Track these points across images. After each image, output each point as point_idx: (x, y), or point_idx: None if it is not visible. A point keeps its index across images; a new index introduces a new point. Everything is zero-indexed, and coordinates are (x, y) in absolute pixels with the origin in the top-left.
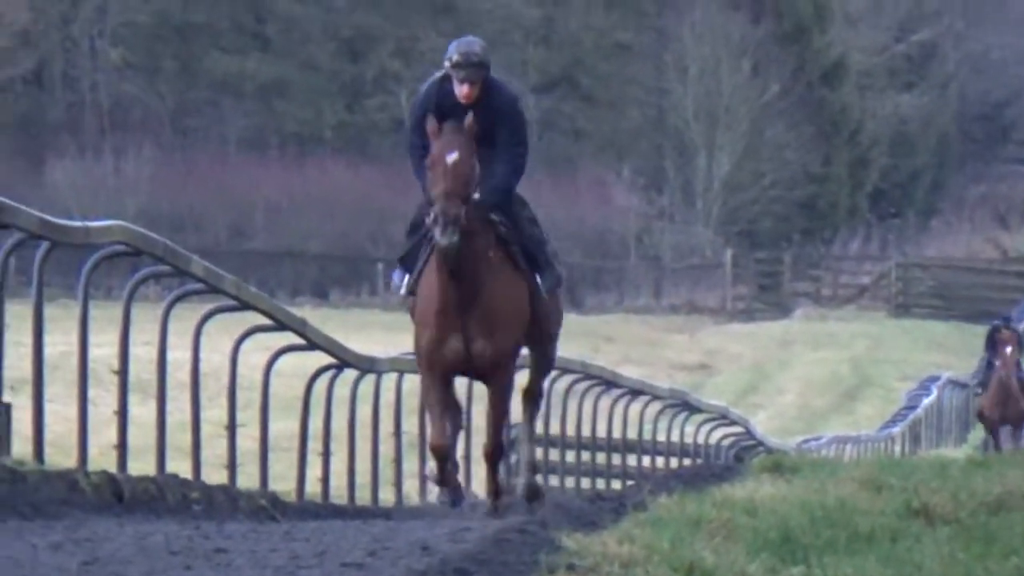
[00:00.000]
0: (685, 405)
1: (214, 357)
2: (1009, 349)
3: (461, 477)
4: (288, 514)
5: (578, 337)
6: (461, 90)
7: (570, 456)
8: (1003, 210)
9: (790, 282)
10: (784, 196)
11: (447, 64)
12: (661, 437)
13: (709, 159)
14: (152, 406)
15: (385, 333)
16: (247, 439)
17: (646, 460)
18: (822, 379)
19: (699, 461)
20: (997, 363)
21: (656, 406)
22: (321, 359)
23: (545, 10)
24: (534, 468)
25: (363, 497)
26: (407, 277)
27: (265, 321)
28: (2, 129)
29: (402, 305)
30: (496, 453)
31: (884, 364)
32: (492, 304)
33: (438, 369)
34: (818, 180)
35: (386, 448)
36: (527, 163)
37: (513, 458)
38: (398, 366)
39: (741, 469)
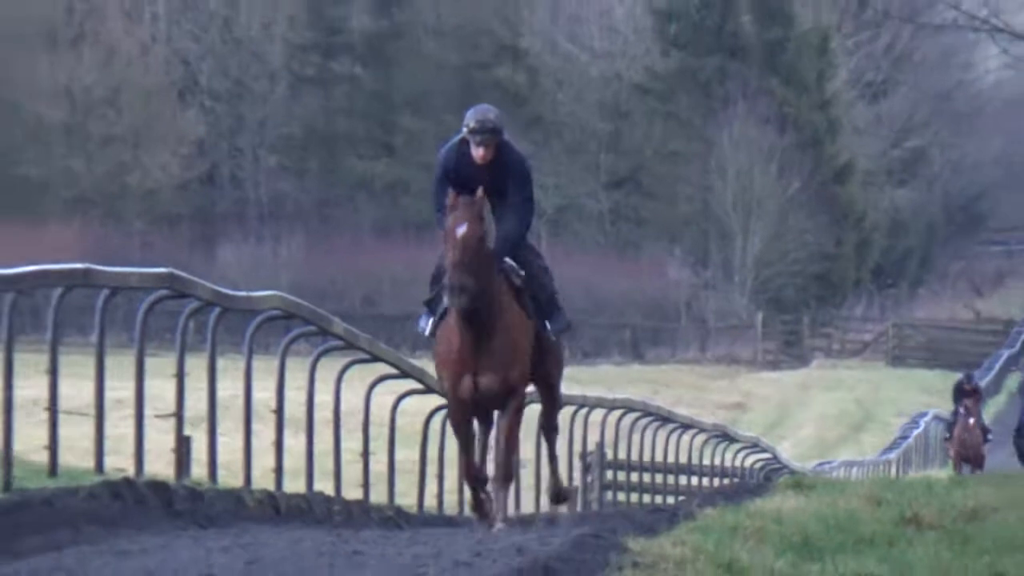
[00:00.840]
0: (724, 436)
1: (351, 399)
2: (970, 400)
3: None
4: (411, 523)
5: (640, 383)
6: (477, 152)
7: (634, 476)
8: (978, 282)
9: (808, 339)
10: (804, 270)
11: (465, 129)
12: (706, 461)
13: (744, 241)
14: (302, 438)
15: None
16: (378, 464)
17: (694, 480)
18: (833, 415)
19: (736, 480)
20: (961, 411)
21: (702, 437)
22: (437, 400)
23: (615, 123)
24: (558, 479)
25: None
26: (431, 320)
27: (392, 370)
28: (182, 219)
29: (428, 341)
30: (506, 479)
31: (883, 403)
32: (499, 345)
33: (458, 403)
34: (831, 258)
35: (489, 471)
36: (534, 215)
37: (588, 478)
38: None
39: (769, 487)
